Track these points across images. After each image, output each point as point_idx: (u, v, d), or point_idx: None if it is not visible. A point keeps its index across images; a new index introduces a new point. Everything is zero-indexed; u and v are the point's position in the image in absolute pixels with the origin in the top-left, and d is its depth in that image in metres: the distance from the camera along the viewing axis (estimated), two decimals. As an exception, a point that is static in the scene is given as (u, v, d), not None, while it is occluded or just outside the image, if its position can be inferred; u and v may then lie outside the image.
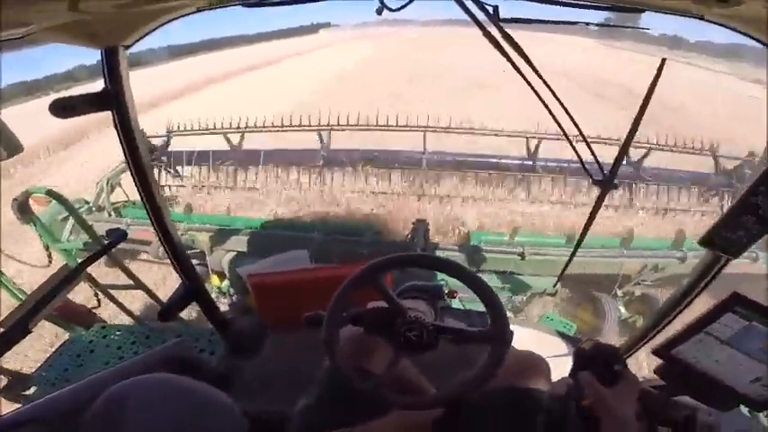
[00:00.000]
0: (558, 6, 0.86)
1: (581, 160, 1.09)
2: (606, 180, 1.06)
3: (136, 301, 3.32)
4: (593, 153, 1.02)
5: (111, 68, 0.99)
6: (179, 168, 4.66)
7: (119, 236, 1.46)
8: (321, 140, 4.51)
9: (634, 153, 4.18)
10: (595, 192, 1.12)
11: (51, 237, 2.75)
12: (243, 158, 4.66)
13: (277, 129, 4.55)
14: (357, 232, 3.64)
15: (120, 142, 1.09)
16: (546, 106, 1.01)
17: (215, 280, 3.80)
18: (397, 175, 4.58)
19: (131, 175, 1.15)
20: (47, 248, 2.71)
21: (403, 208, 4.48)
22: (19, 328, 1.22)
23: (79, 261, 2.59)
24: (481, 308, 0.89)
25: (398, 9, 0.82)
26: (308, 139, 4.58)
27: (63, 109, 0.91)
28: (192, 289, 1.49)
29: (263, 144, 4.74)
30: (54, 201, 3.13)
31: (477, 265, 3.43)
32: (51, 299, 1.36)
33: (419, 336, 0.86)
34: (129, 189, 4.41)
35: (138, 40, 1.02)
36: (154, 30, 0.99)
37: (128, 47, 1.03)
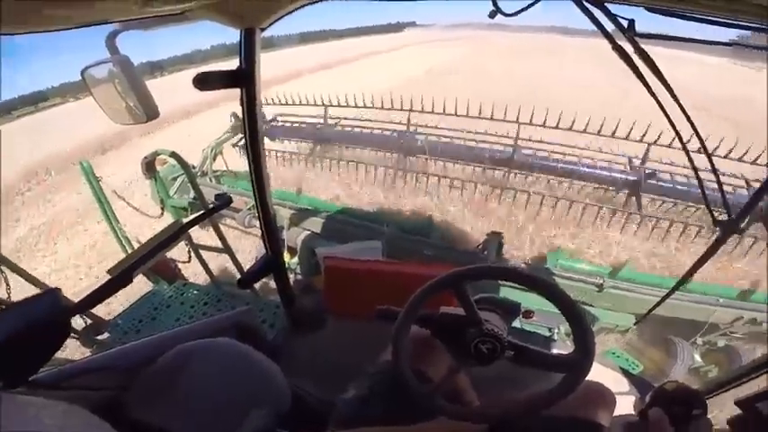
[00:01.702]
0: (689, 23, 0.77)
1: (704, 196, 1.00)
2: (731, 222, 0.95)
3: (217, 263, 3.62)
4: (720, 188, 0.93)
5: (247, 49, 1.06)
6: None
7: (225, 200, 1.55)
8: (408, 126, 4.55)
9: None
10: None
11: (167, 193, 3.10)
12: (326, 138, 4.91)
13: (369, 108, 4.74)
14: (423, 232, 3.61)
15: (243, 116, 1.18)
16: (676, 131, 0.95)
17: (286, 256, 4.02)
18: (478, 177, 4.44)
19: (246, 147, 1.24)
20: (161, 203, 3.07)
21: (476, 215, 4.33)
22: (124, 277, 1.31)
23: (184, 219, 2.90)
24: (545, 333, 0.83)
25: (514, 14, 0.78)
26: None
27: (203, 82, 0.99)
28: (275, 261, 1.55)
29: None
30: (167, 163, 3.59)
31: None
32: (156, 253, 1.48)
33: (491, 349, 0.83)
34: (228, 159, 4.92)
35: (272, 23, 1.07)
36: (289, 13, 1.04)
37: (263, 29, 1.09)
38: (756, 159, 3.43)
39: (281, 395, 1.18)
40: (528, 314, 1.21)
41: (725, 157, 3.41)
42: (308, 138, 5.04)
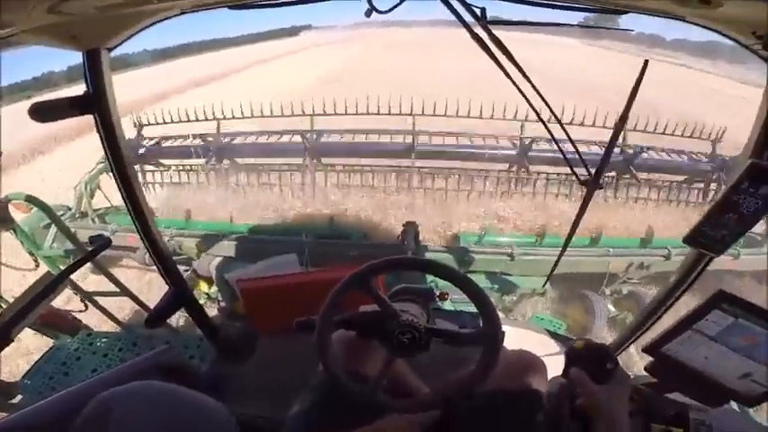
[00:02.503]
0: (541, 8, 0.87)
1: (567, 161, 1.11)
2: (592, 180, 1.06)
3: (122, 307, 3.24)
4: (578, 153, 1.03)
5: (93, 71, 0.96)
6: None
7: (102, 243, 1.42)
8: (304, 137, 4.50)
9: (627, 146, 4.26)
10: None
11: (34, 244, 2.67)
12: (222, 154, 4.65)
13: (257, 117, 4.60)
14: (345, 234, 3.64)
15: (103, 146, 1.06)
16: (533, 107, 1.02)
17: (203, 286, 3.74)
18: (382, 173, 4.60)
19: (115, 179, 1.12)
20: (31, 255, 2.64)
21: (390, 207, 4.49)
22: (2, 335, 1.18)
23: (62, 268, 2.52)
24: (473, 309, 0.89)
25: (388, 11, 0.81)
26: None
27: (43, 113, 0.88)
28: (180, 295, 1.45)
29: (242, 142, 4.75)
30: (34, 209, 3.06)
31: (467, 266, 3.46)
32: (34, 307, 1.33)
33: (412, 338, 0.86)
34: (109, 193, 4.35)
35: (121, 43, 0.99)
36: (137, 32, 0.96)
37: (110, 49, 1.00)
38: (604, 123, 4.04)
39: (222, 426, 1.10)
40: (443, 296, 1.31)
41: (580, 124, 4.06)
42: (203, 155, 4.67)
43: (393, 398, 0.90)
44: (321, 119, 4.61)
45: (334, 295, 0.89)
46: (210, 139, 4.63)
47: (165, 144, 4.70)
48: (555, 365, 0.98)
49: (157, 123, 4.74)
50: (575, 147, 1.04)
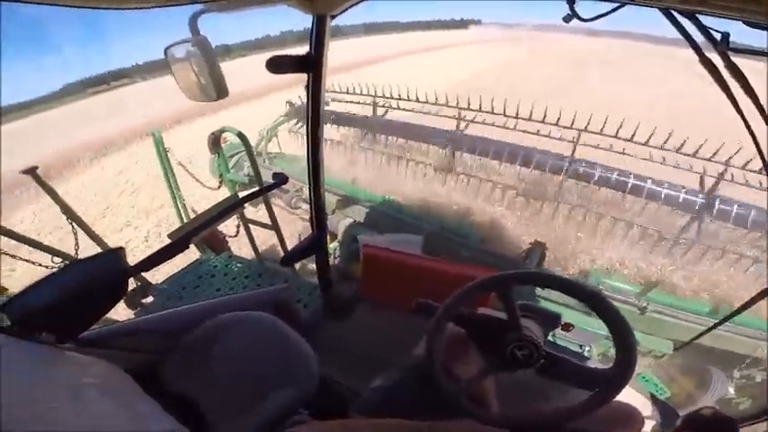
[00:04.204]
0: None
1: None
2: None
3: (261, 240, 3.80)
4: None
5: (318, 35, 1.08)
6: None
7: (282, 179, 1.58)
8: (458, 125, 4.48)
9: None
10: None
11: (227, 167, 3.28)
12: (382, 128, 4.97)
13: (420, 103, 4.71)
14: (463, 233, 3.57)
15: (307, 102, 1.21)
16: (759, 151, 0.90)
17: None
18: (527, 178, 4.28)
19: (306, 132, 1.27)
20: (220, 176, 3.25)
21: (516, 218, 4.19)
22: (182, 242, 1.37)
23: (239, 193, 3.04)
24: (577, 350, 0.81)
25: (591, 20, 0.76)
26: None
27: (275, 65, 1.03)
28: (319, 242, 1.58)
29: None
30: (228, 141, 3.80)
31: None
32: (213, 222, 1.55)
33: (527, 356, 0.82)
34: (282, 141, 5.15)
35: (342, 12, 1.08)
36: (359, 2, 1.04)
37: (334, 17, 1.10)
38: None
39: (309, 377, 1.19)
40: (567, 327, 1.16)
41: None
42: (357, 126, 5.13)
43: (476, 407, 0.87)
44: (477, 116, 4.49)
45: (469, 290, 0.87)
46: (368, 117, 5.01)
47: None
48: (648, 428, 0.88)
49: (329, 91, 5.27)
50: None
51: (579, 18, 0.74)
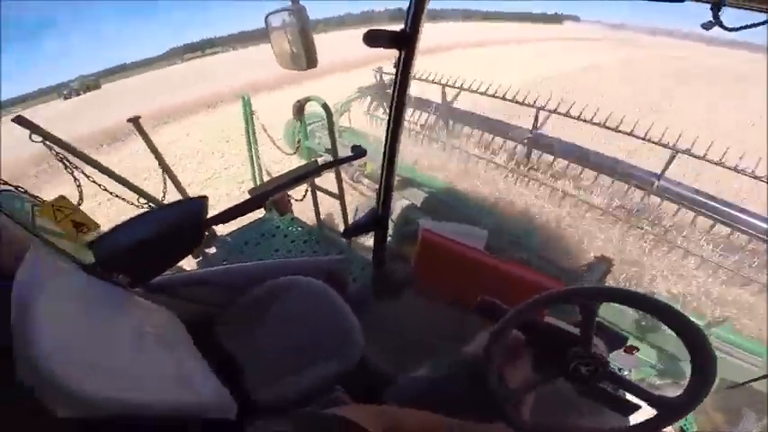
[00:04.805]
0: None
1: None
2: None
3: (324, 208, 3.94)
4: None
5: (415, 13, 1.06)
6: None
7: (360, 152, 1.60)
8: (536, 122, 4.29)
9: None
10: None
11: (306, 135, 3.42)
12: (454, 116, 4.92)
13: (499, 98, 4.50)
14: (523, 235, 3.44)
15: (395, 79, 1.20)
16: None
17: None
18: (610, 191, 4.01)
19: (390, 107, 1.28)
20: (298, 143, 3.41)
21: (579, 229, 3.93)
22: (260, 199, 1.42)
23: (318, 161, 3.16)
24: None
25: (736, 29, 0.67)
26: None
27: (372, 39, 1.04)
28: (382, 218, 1.58)
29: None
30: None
31: (645, 331, 2.90)
32: (292, 184, 1.61)
33: (592, 372, 0.79)
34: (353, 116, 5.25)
35: None
36: None
37: None
38: None
39: (352, 353, 1.20)
40: (631, 349, 1.11)
41: None
42: (432, 111, 5.06)
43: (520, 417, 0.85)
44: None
45: (547, 298, 0.83)
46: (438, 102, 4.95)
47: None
48: None
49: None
50: None
51: (723, 27, 0.66)
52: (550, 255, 3.47)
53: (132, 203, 2.68)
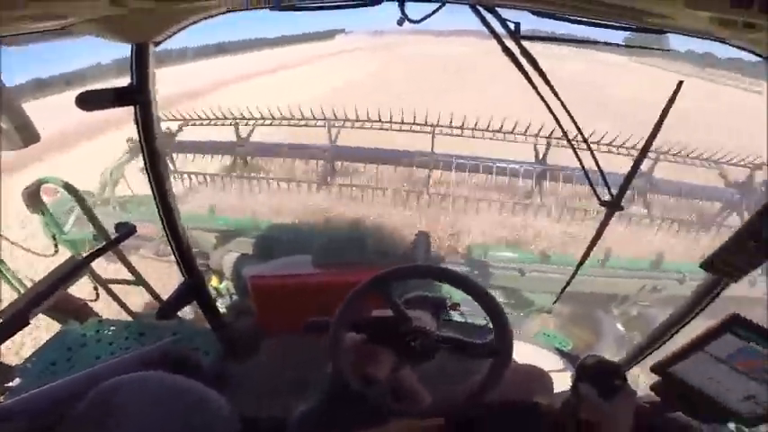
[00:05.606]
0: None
1: (589, 180, 1.09)
2: (613, 202, 1.04)
3: (132, 296, 3.31)
4: (601, 173, 1.01)
5: (139, 64, 0.99)
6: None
7: (127, 230, 1.44)
8: (330, 137, 4.63)
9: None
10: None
11: (58, 228, 2.72)
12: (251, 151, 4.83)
13: (286, 121, 4.83)
14: (356, 239, 3.64)
15: (139, 136, 1.10)
16: (559, 125, 0.99)
17: (214, 280, 3.79)
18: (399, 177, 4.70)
19: (146, 170, 1.15)
20: (53, 238, 2.70)
21: (401, 214, 4.54)
22: (18, 319, 1.20)
23: (83, 253, 2.59)
24: (482, 322, 0.90)
25: (419, 21, 0.81)
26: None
27: (88, 102, 0.91)
28: (195, 287, 1.47)
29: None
30: (60, 193, 3.15)
31: (476, 279, 3.46)
32: (54, 290, 1.35)
33: (422, 345, 0.87)
34: (132, 182, 4.49)
35: (166, 39, 1.01)
36: (184, 28, 0.98)
37: (157, 44, 1.03)
38: (634, 146, 4.00)
39: (224, 421, 1.10)
40: (454, 306, 1.30)
41: (607, 144, 4.08)
42: (223, 152, 4.85)
43: (398, 403, 0.91)
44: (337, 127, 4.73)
45: (353, 297, 0.89)
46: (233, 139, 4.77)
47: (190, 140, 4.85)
48: (560, 381, 1.00)
49: (182, 119, 4.87)
50: (598, 167, 1.01)
51: (410, 20, 0.79)
52: (381, 246, 3.81)
53: None
